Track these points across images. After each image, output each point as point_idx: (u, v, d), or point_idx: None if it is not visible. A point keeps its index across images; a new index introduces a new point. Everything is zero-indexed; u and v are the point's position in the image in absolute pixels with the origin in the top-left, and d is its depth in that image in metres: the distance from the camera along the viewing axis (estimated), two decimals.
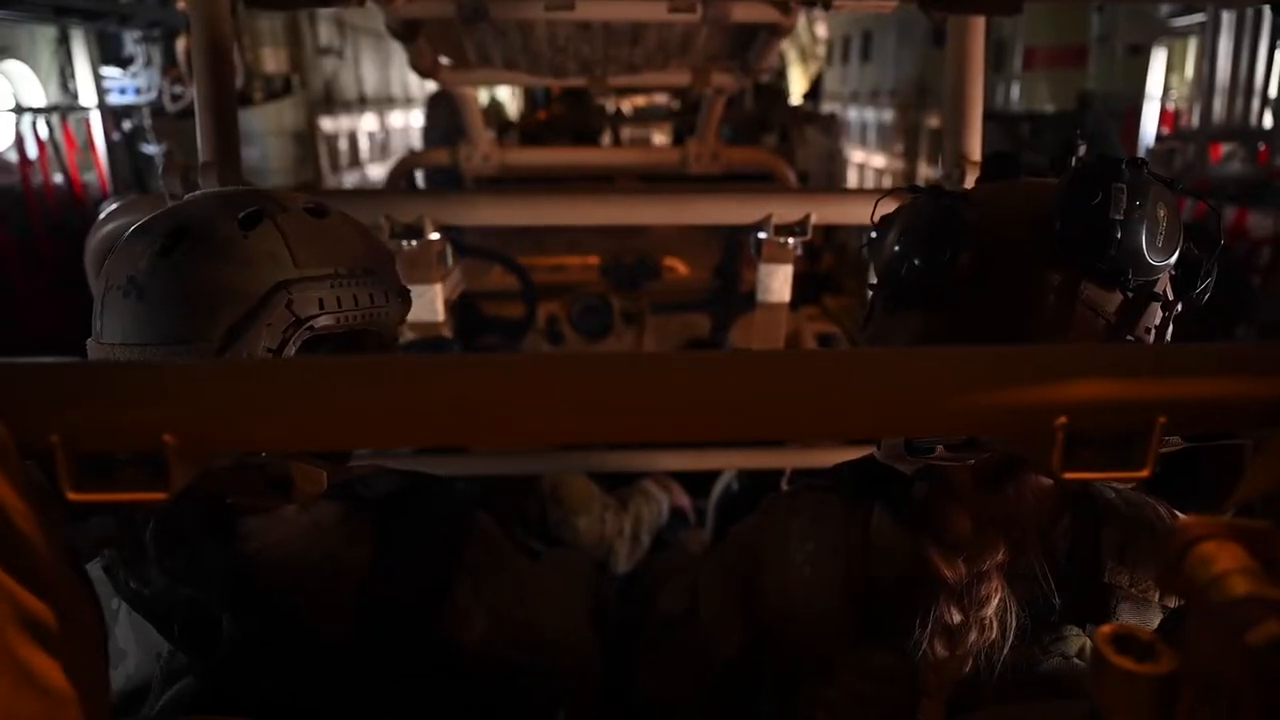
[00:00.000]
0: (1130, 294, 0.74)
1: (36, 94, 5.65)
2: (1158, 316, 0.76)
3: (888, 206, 0.88)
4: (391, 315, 0.88)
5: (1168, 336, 0.78)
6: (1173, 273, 0.77)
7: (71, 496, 0.44)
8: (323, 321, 0.79)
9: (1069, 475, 0.47)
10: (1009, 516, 0.82)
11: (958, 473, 0.83)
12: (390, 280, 0.88)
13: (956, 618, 0.80)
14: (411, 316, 1.46)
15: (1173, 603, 0.82)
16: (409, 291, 0.91)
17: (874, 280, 0.85)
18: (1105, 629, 0.39)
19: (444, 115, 5.44)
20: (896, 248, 0.79)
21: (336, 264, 0.81)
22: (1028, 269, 0.75)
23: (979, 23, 1.42)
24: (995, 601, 0.80)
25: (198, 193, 0.87)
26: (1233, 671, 0.35)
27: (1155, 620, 0.82)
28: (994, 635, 0.80)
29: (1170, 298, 0.76)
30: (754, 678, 0.98)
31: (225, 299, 0.75)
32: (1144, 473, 0.47)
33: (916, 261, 0.77)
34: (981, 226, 0.75)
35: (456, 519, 0.93)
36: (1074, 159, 0.80)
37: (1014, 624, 0.80)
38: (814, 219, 1.44)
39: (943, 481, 0.85)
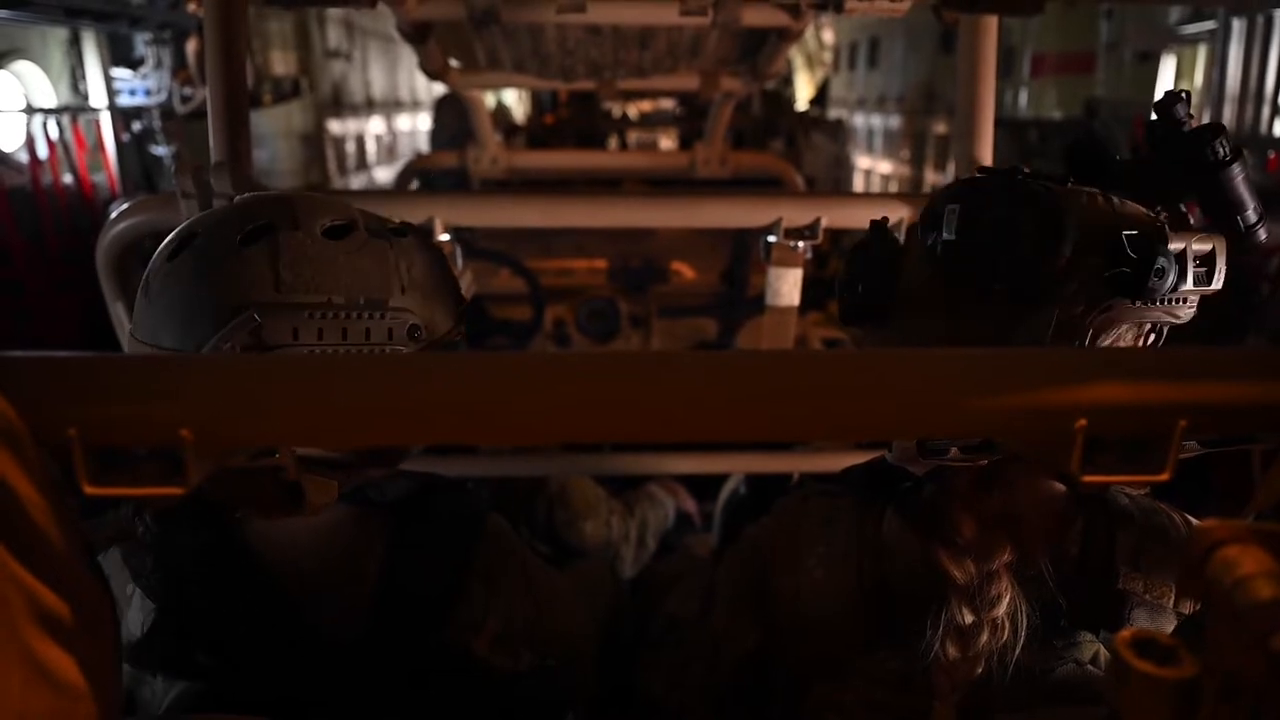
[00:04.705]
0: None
1: (47, 95, 5.68)
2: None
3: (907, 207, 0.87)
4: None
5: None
6: (1200, 270, 0.78)
7: (88, 490, 0.44)
8: (293, 353, 0.73)
9: (1088, 478, 0.47)
10: (1010, 516, 0.82)
11: (956, 473, 0.83)
12: (419, 315, 0.79)
13: (968, 618, 0.80)
14: None
15: (1187, 609, 0.82)
16: (451, 329, 0.84)
17: (954, 274, 0.79)
18: (1125, 634, 0.39)
19: (452, 118, 5.47)
20: (1003, 239, 0.77)
21: (332, 293, 0.74)
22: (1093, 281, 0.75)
23: (991, 26, 1.41)
24: (1006, 602, 0.80)
25: (247, 195, 0.84)
26: (1256, 675, 0.35)
27: (1170, 627, 0.82)
28: (1006, 636, 0.80)
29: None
30: (764, 679, 0.98)
31: (201, 313, 0.72)
32: (1163, 476, 0.47)
33: (1033, 256, 0.75)
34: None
35: (469, 521, 0.93)
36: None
37: (1026, 625, 0.80)
38: (824, 223, 1.43)
39: (946, 482, 0.85)
